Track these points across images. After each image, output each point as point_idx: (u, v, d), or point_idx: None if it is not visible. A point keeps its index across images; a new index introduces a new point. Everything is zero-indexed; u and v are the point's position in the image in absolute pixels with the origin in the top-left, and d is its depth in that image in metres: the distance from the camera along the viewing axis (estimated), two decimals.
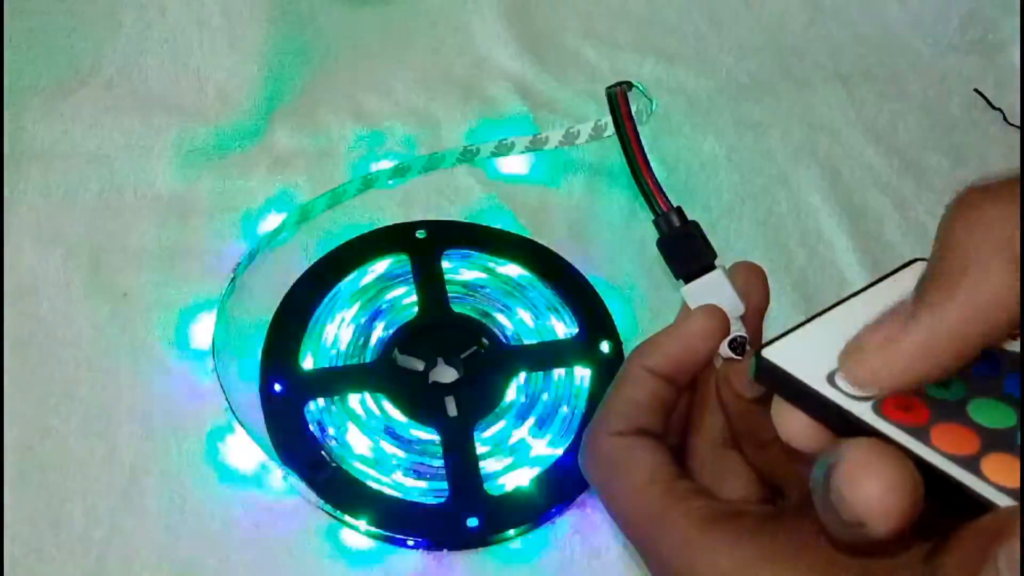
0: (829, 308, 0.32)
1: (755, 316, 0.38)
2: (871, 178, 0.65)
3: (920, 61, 0.71)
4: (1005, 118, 0.68)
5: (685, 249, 0.38)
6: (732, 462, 0.37)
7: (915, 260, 0.35)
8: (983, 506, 0.27)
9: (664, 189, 0.39)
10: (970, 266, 0.27)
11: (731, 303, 0.37)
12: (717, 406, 0.37)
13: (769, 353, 0.31)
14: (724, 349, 0.37)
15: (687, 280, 0.38)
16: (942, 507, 0.28)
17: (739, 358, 0.37)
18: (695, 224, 0.39)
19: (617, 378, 0.38)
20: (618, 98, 0.40)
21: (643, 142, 0.39)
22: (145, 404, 0.51)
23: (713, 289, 0.38)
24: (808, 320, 0.32)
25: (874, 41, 0.72)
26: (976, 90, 0.69)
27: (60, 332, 0.52)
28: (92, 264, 0.55)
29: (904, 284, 0.31)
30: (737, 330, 0.37)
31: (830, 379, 0.29)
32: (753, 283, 0.38)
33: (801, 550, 0.32)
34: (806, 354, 0.30)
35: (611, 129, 0.54)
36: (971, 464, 0.27)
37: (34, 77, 0.61)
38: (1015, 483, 0.27)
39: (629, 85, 0.41)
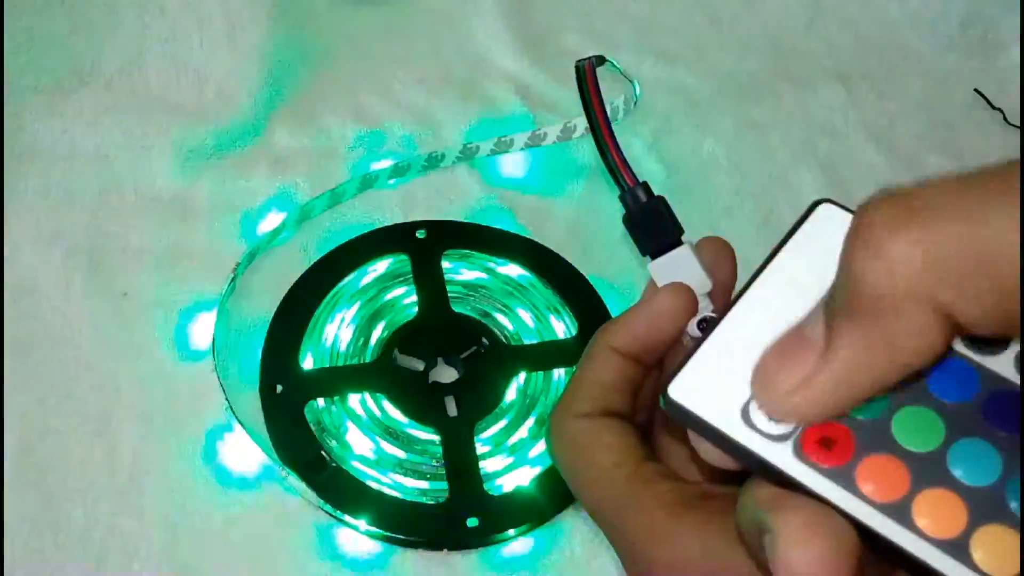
0: (735, 302, 0.30)
1: (723, 292, 0.37)
2: (871, 178, 0.65)
3: (920, 61, 0.71)
4: (1005, 118, 0.68)
5: (651, 225, 0.37)
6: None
7: (818, 202, 0.33)
8: (917, 568, 0.26)
9: (630, 164, 0.38)
10: (882, 310, 0.25)
11: (698, 279, 0.37)
12: None
13: (676, 391, 0.29)
14: (693, 328, 0.36)
15: (654, 256, 0.37)
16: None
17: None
18: (662, 199, 0.38)
19: (583, 358, 0.37)
20: (586, 71, 0.39)
21: (623, 133, 0.39)
22: (145, 404, 0.51)
23: (680, 265, 0.37)
24: (713, 329, 0.30)
25: (874, 41, 0.72)
26: (976, 90, 0.69)
27: (60, 332, 0.52)
28: (92, 264, 0.55)
29: (809, 255, 0.30)
30: (704, 306, 0.36)
31: (744, 414, 0.28)
32: (721, 259, 0.37)
33: None
34: (716, 386, 0.29)
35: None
36: (901, 512, 0.26)
37: (34, 77, 0.61)
38: (950, 532, 0.26)
39: (600, 60, 0.40)
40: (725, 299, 0.37)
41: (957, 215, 0.25)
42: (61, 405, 0.50)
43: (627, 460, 0.34)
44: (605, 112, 0.38)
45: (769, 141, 0.66)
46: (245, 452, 0.49)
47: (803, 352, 0.27)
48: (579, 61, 0.39)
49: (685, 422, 0.29)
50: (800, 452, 0.27)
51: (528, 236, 0.58)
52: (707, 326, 0.33)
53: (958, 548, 0.26)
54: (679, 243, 0.37)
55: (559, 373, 0.54)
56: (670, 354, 0.37)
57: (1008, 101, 0.69)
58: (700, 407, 0.29)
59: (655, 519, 0.33)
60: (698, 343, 0.30)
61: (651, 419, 0.38)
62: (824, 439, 0.27)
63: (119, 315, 0.53)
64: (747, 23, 0.72)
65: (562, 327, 0.55)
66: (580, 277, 0.57)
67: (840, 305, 0.26)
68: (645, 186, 0.38)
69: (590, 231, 0.60)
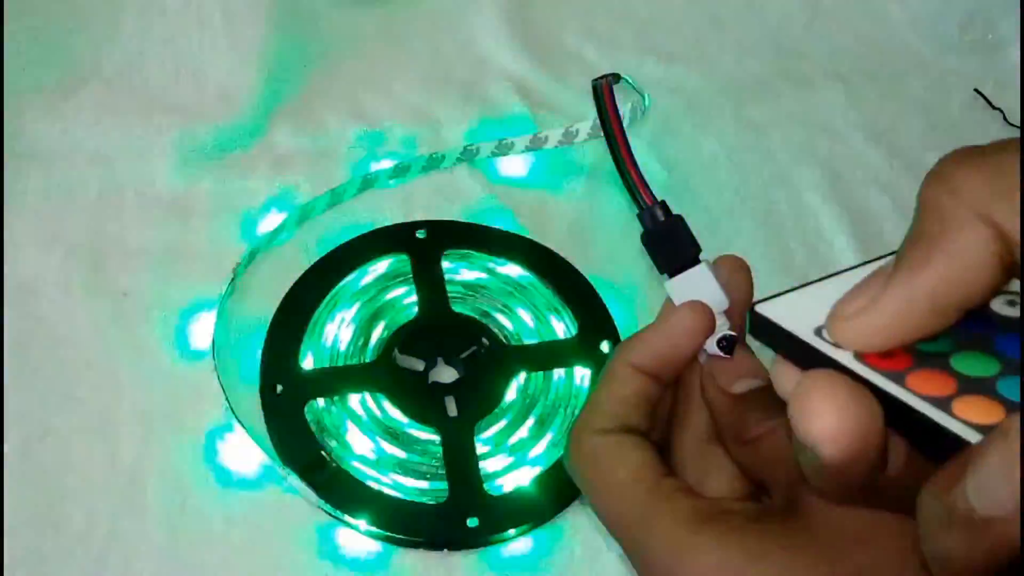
0: (819, 279, 0.32)
1: (739, 310, 0.38)
2: (871, 178, 0.65)
3: (920, 61, 0.71)
4: (1005, 118, 0.68)
5: (669, 243, 0.38)
6: (716, 458, 0.37)
7: None
8: (952, 445, 0.27)
9: (648, 183, 0.39)
10: (946, 229, 0.27)
11: (716, 298, 0.37)
12: (701, 402, 0.37)
13: (762, 308, 0.31)
14: (711, 345, 0.37)
15: (671, 275, 0.38)
16: (919, 450, 0.28)
17: (727, 356, 0.36)
18: (679, 218, 0.38)
19: (602, 375, 0.37)
20: (603, 90, 0.40)
21: (628, 136, 0.39)
22: (145, 404, 0.51)
23: (698, 283, 0.37)
24: (801, 286, 0.32)
25: (874, 41, 0.72)
26: (976, 90, 0.69)
27: (60, 332, 0.52)
28: (92, 264, 0.55)
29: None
30: (721, 324, 0.37)
31: (818, 332, 0.30)
32: (738, 277, 0.38)
33: (788, 550, 0.32)
34: (796, 311, 0.31)
35: None
36: (942, 404, 0.28)
37: (34, 77, 0.61)
38: (986, 420, 0.27)
39: (616, 77, 0.41)
40: (741, 317, 0.38)
41: (1016, 153, 0.27)
42: (61, 405, 0.50)
43: (646, 475, 0.35)
44: (623, 131, 0.39)
45: (769, 141, 0.66)
46: (245, 452, 0.49)
47: (873, 281, 0.29)
48: (595, 80, 0.40)
49: (764, 334, 0.31)
50: (861, 358, 0.29)
51: (528, 236, 0.58)
52: (727, 344, 0.35)
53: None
54: (697, 261, 0.38)
55: (559, 373, 0.54)
56: (686, 372, 0.37)
57: (1008, 101, 0.68)
58: (780, 320, 0.31)
59: (675, 534, 0.33)
60: (787, 290, 0.32)
61: (668, 436, 0.38)
62: (886, 352, 0.29)
63: (119, 315, 0.53)
64: (747, 23, 0.72)
65: (562, 327, 0.55)
66: (580, 277, 0.57)
67: (909, 236, 0.28)
68: (663, 205, 0.38)
69: (590, 231, 0.60)
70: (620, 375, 0.37)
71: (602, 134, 0.52)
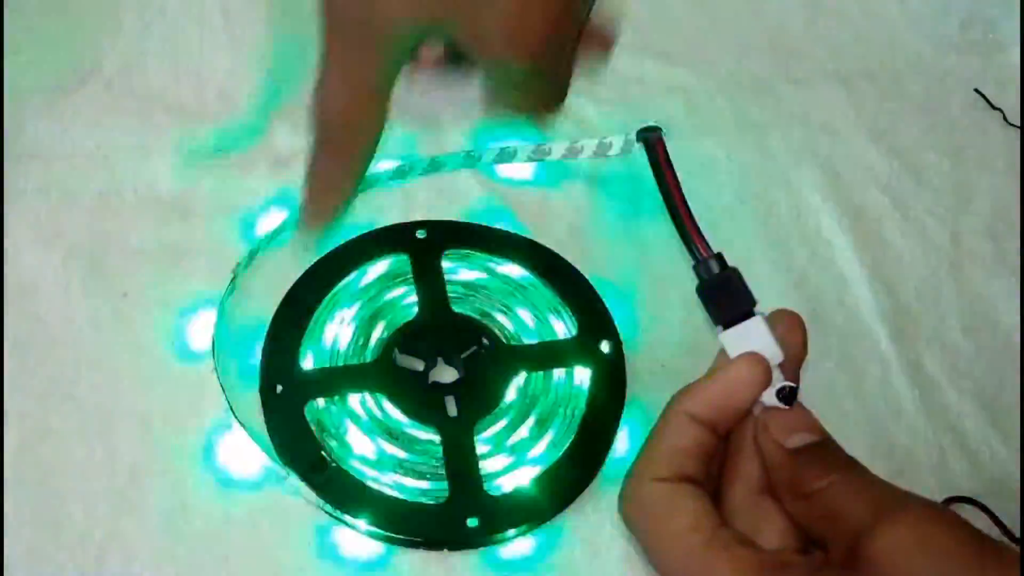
0: None
1: (793, 364, 0.38)
2: (871, 178, 0.65)
3: (920, 61, 0.71)
4: (1005, 118, 0.68)
5: (725, 295, 0.38)
6: (768, 510, 0.37)
7: None
8: None
9: (705, 236, 0.39)
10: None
11: (770, 351, 0.37)
12: (753, 453, 0.37)
13: None
14: (769, 397, 0.37)
15: (726, 326, 0.38)
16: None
17: (785, 407, 0.37)
18: (735, 270, 0.39)
19: (659, 423, 0.38)
20: (656, 145, 0.40)
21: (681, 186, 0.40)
22: (145, 404, 0.51)
23: (753, 336, 0.38)
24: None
25: (874, 41, 0.72)
26: (976, 90, 0.69)
27: (60, 332, 0.52)
28: (92, 264, 0.55)
29: None
30: (776, 377, 0.37)
31: None
32: (792, 331, 0.38)
33: None
34: None
35: (616, 149, 0.54)
36: None
37: (34, 77, 0.61)
38: None
39: (660, 131, 0.41)
40: (795, 371, 0.38)
41: None
42: (61, 405, 0.50)
43: (704, 524, 0.35)
44: (679, 185, 0.39)
45: (769, 141, 0.66)
46: (245, 452, 0.49)
47: None
48: (642, 134, 0.40)
49: None
50: None
51: (528, 236, 0.58)
52: (787, 395, 0.36)
53: None
54: (751, 314, 0.38)
55: (559, 373, 0.54)
56: (739, 426, 0.38)
57: (1008, 101, 0.69)
58: None
59: None
60: None
61: (719, 490, 0.38)
62: None
63: (119, 315, 0.53)
64: (747, 23, 0.72)
65: (562, 327, 0.55)
66: (580, 277, 0.57)
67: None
68: (719, 256, 0.39)
69: (590, 231, 0.60)
70: (677, 424, 0.37)
71: (607, 155, 0.53)
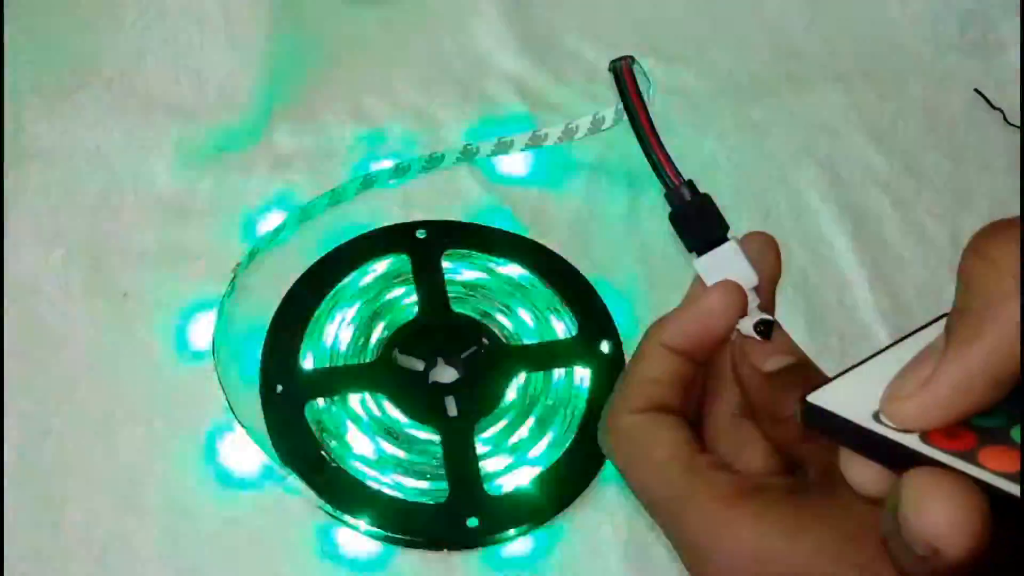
0: (862, 362, 0.32)
1: (768, 287, 0.38)
2: (871, 178, 0.65)
3: (920, 61, 0.71)
4: (1005, 118, 0.68)
5: (697, 221, 0.38)
6: (749, 433, 0.37)
7: (943, 316, 0.35)
8: None
9: (675, 161, 0.39)
10: (990, 301, 0.27)
11: (745, 275, 0.37)
12: (732, 378, 0.37)
13: (815, 398, 0.31)
14: (746, 327, 0.37)
15: (700, 253, 0.38)
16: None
17: (762, 339, 0.37)
18: (707, 196, 0.38)
19: (635, 355, 0.38)
20: (623, 71, 0.40)
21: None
22: (145, 404, 0.51)
23: (727, 261, 0.37)
24: (845, 371, 0.32)
25: (874, 41, 0.72)
26: (976, 90, 0.69)
27: (60, 332, 0.52)
28: (92, 264, 0.55)
29: (935, 335, 0.31)
30: (751, 301, 0.37)
31: (875, 417, 0.30)
32: (765, 253, 0.38)
33: (825, 523, 0.32)
34: (849, 397, 0.31)
35: (609, 121, 0.54)
36: (1015, 478, 0.27)
37: (34, 77, 0.61)
38: None
39: (632, 59, 0.41)
40: (770, 293, 0.38)
41: None
42: (62, 405, 0.50)
43: (682, 453, 0.35)
44: (647, 111, 0.39)
45: (769, 141, 0.66)
46: (245, 452, 0.49)
47: (925, 359, 0.29)
48: (613, 62, 0.40)
49: (821, 425, 0.31)
50: (927, 440, 0.29)
51: (528, 236, 0.58)
52: (764, 328, 0.36)
53: None
54: (725, 239, 0.38)
55: (559, 373, 0.54)
56: (718, 351, 0.37)
57: (1008, 101, 0.69)
58: (835, 407, 0.30)
59: (712, 509, 0.33)
60: (834, 376, 0.32)
61: (700, 416, 0.38)
62: (948, 431, 0.29)
63: (119, 315, 0.53)
64: (747, 23, 0.72)
65: (562, 327, 0.55)
66: (580, 277, 0.57)
67: (955, 312, 0.28)
68: (690, 183, 0.38)
69: (590, 231, 0.60)
70: (653, 356, 0.37)
71: (602, 129, 0.52)
